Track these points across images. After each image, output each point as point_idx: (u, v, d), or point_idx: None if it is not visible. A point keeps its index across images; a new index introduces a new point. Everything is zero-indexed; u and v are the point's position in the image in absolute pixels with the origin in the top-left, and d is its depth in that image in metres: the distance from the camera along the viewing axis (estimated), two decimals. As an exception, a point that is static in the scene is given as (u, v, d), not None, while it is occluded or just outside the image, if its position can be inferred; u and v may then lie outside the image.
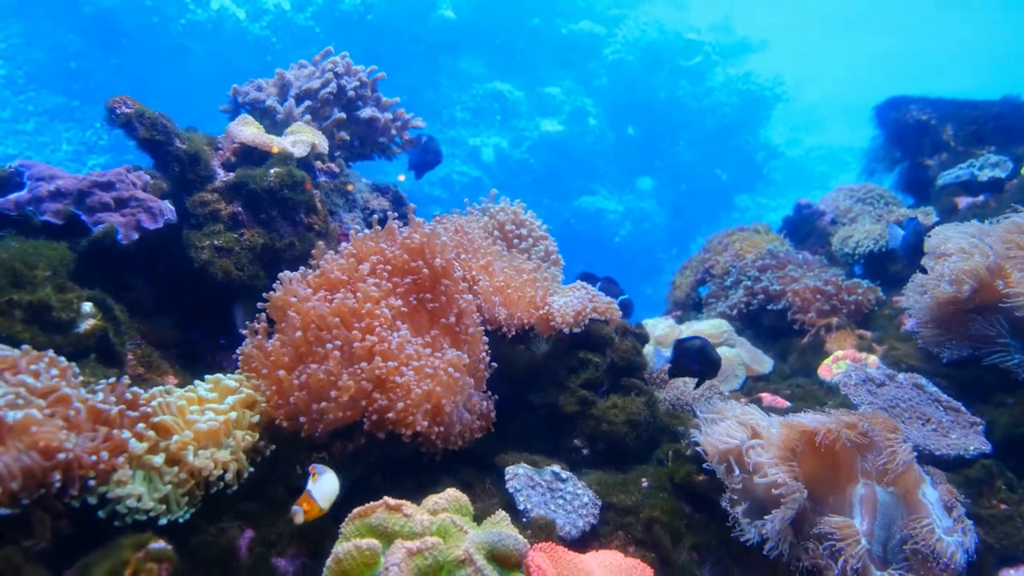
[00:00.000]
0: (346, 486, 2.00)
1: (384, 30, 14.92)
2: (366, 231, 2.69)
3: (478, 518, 1.96)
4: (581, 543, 2.18)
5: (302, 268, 2.55)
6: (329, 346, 2.22)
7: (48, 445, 1.65)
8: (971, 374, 2.98)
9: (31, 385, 1.74)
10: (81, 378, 1.96)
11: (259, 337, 2.38)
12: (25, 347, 1.87)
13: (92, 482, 1.75)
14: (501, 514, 1.94)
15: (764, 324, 4.17)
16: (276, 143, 3.07)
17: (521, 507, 2.20)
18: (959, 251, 2.94)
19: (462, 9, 15.69)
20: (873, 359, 3.32)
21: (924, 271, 3.11)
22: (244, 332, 2.43)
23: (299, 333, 2.26)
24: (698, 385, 2.86)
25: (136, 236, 2.62)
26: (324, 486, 1.90)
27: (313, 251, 2.64)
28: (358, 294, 2.35)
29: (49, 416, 1.71)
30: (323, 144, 3.31)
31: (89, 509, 1.77)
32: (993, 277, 2.82)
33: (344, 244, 2.71)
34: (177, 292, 2.83)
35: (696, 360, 2.66)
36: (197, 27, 14.03)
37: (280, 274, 2.47)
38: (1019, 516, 2.36)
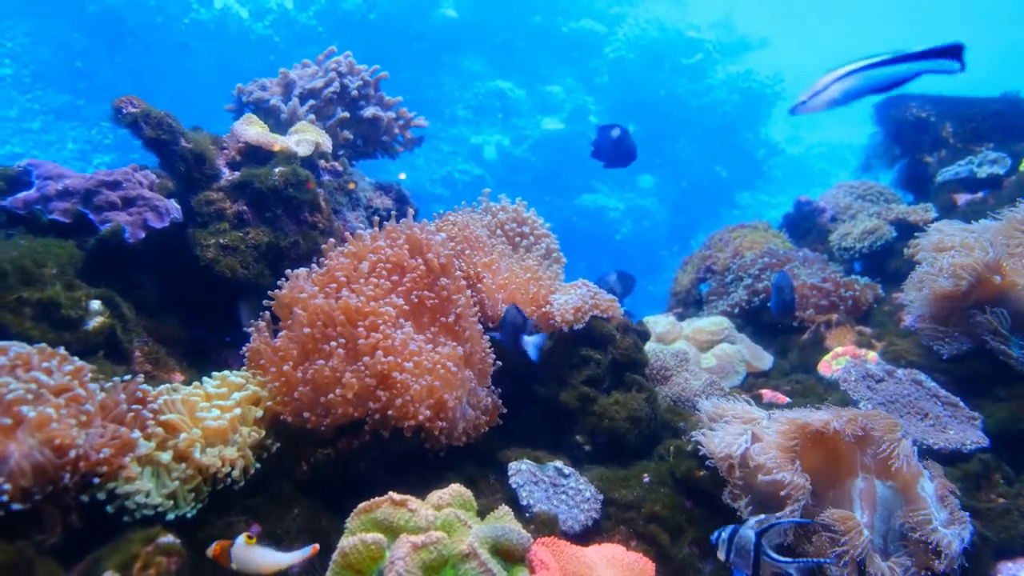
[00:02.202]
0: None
1: (386, 29, 14.94)
2: (366, 230, 2.71)
3: (482, 513, 1.98)
4: (583, 537, 2.20)
5: (313, 265, 2.58)
6: (334, 343, 2.24)
7: (62, 443, 1.68)
8: (970, 369, 3.00)
9: (44, 382, 1.77)
10: (90, 375, 1.98)
11: (265, 334, 2.41)
12: (41, 345, 1.90)
13: (97, 480, 1.77)
14: (504, 509, 1.96)
15: (764, 320, 4.18)
16: (280, 142, 3.09)
17: (524, 502, 2.23)
18: (959, 246, 2.96)
19: (464, 8, 15.70)
20: (872, 355, 3.34)
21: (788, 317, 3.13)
22: (250, 329, 2.46)
23: (308, 329, 2.29)
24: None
25: (143, 235, 2.64)
26: (248, 554, 1.76)
27: (324, 247, 2.66)
28: (361, 296, 2.37)
29: (63, 414, 1.74)
30: (327, 143, 3.33)
31: (98, 504, 1.79)
32: (991, 272, 2.84)
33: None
34: (183, 290, 2.86)
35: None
36: (201, 26, 14.06)
37: (289, 271, 2.50)
38: (1016, 509, 2.38)
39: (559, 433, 2.78)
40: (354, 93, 3.66)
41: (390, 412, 2.18)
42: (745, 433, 2.27)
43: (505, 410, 2.62)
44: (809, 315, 3.93)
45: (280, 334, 2.37)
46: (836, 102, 1.70)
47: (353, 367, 2.21)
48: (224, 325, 2.98)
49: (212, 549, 1.79)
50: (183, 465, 1.93)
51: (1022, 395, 2.81)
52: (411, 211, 2.86)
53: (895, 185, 5.22)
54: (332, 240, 2.70)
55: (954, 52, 1.56)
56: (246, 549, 1.77)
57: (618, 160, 3.44)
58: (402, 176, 4.07)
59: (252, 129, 3.12)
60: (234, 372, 2.38)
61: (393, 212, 3.62)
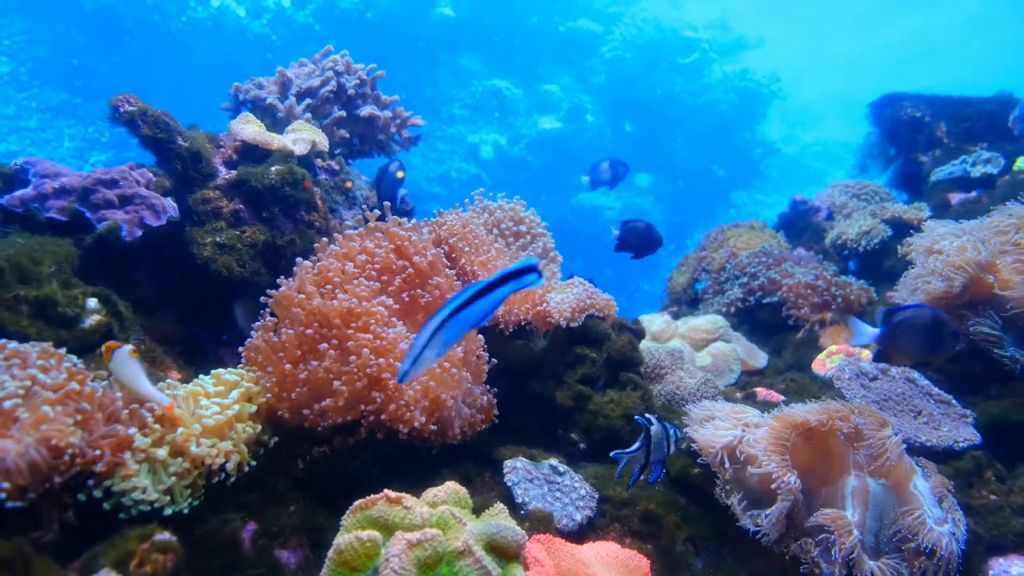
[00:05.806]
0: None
1: (383, 28, 14.94)
2: (356, 230, 2.71)
3: (477, 511, 1.98)
4: (578, 535, 2.21)
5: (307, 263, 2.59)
6: (324, 345, 2.25)
7: (58, 442, 1.68)
8: (962, 367, 3.02)
9: (41, 380, 1.77)
10: (85, 374, 1.99)
11: (270, 332, 2.41)
12: (42, 344, 1.91)
13: (91, 481, 1.78)
14: (499, 506, 1.97)
15: (759, 319, 4.21)
16: (277, 141, 3.10)
17: (519, 500, 2.24)
18: (952, 247, 2.98)
19: (461, 7, 15.71)
20: (866, 354, 3.35)
21: None
22: (249, 327, 2.46)
23: (310, 329, 2.29)
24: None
25: (139, 233, 2.65)
26: (127, 365, 1.91)
27: (316, 246, 2.67)
28: (353, 298, 2.37)
29: (59, 411, 1.74)
30: (323, 142, 3.34)
31: (95, 501, 1.80)
32: (984, 271, 2.85)
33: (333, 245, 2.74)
34: (180, 288, 2.86)
35: None
36: (198, 24, 14.06)
37: (299, 259, 2.51)
38: (1008, 506, 2.40)
39: (554, 431, 2.79)
40: (351, 92, 3.66)
41: (383, 416, 2.19)
42: (735, 428, 2.28)
43: (498, 400, 2.63)
44: (804, 314, 3.95)
45: (279, 332, 2.38)
46: (440, 354, 1.72)
47: (344, 369, 2.22)
48: (221, 323, 2.99)
49: (106, 344, 1.92)
50: (180, 459, 1.94)
51: (1014, 393, 2.83)
52: (394, 220, 2.86)
53: (890, 184, 5.24)
54: (324, 239, 2.70)
55: (531, 269, 1.61)
56: (128, 359, 1.91)
57: (646, 249, 3.50)
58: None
59: (249, 127, 3.12)
60: (229, 369, 2.38)
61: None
